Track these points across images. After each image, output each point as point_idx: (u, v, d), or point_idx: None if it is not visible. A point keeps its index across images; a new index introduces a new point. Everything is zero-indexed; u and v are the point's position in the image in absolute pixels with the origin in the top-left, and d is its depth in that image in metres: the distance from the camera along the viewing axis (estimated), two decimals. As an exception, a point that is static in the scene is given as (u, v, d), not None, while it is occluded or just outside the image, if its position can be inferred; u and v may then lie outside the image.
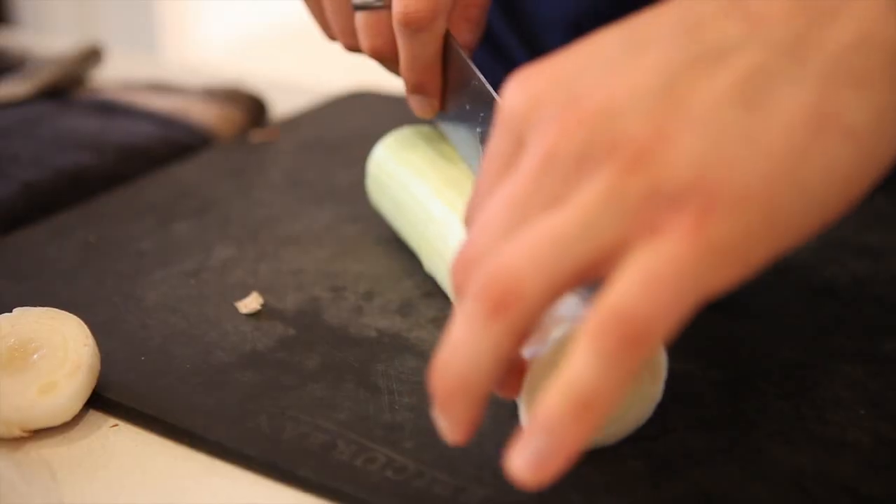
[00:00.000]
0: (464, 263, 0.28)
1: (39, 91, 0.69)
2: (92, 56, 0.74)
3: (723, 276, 0.25)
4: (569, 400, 0.25)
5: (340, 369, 0.38)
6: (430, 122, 0.47)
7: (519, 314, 0.26)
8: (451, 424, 0.28)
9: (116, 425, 0.36)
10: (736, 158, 0.25)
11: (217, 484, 0.33)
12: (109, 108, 0.67)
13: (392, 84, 0.78)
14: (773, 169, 0.25)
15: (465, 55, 0.42)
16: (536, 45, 0.70)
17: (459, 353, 0.27)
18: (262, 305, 0.43)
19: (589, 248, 0.26)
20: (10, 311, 0.38)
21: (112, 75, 0.76)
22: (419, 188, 0.44)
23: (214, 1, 2.58)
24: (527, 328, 0.26)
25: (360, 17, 0.44)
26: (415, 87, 0.44)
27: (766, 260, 0.26)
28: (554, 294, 0.26)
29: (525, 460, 0.26)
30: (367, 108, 0.72)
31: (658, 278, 0.25)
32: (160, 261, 0.48)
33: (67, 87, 0.71)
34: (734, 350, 0.40)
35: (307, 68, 1.52)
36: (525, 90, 0.29)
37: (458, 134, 0.44)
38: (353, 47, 0.46)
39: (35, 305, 0.39)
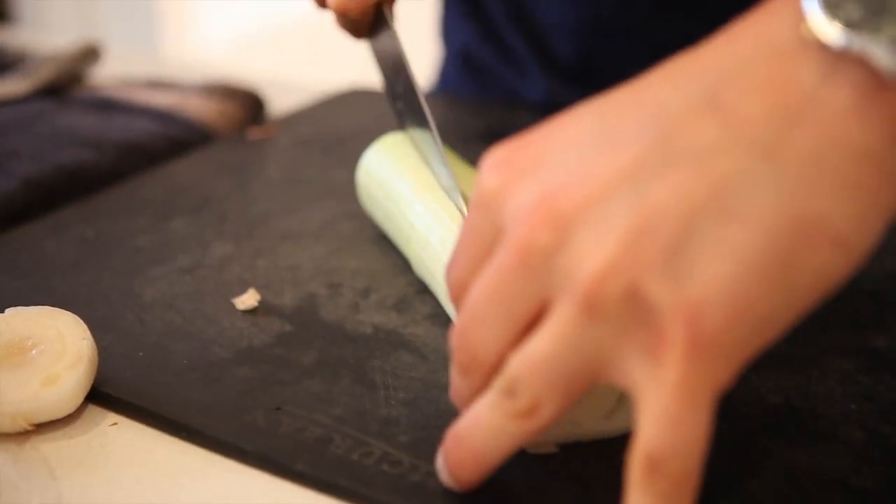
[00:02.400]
0: (465, 348, 0.30)
1: (38, 88, 0.69)
2: (90, 54, 0.74)
3: (725, 377, 0.26)
4: None
5: (337, 365, 0.39)
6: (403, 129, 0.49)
7: (541, 421, 0.28)
8: (453, 482, 0.31)
9: (116, 423, 0.36)
10: (716, 274, 0.25)
11: (215, 479, 0.34)
12: (108, 105, 0.67)
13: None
14: (756, 280, 0.25)
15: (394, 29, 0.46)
16: (544, 49, 0.70)
17: (480, 434, 0.29)
18: (259, 302, 0.43)
19: (581, 361, 0.27)
20: (11, 306, 0.38)
21: (111, 73, 0.76)
22: (404, 198, 0.45)
23: (213, -1, 2.58)
24: (547, 427, 0.28)
25: None
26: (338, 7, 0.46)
27: (757, 353, 0.26)
28: (571, 398, 0.28)
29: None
30: (365, 105, 0.72)
31: (675, 414, 0.26)
32: (158, 257, 0.48)
33: (66, 84, 0.71)
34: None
35: (305, 66, 1.53)
36: (500, 173, 0.29)
37: (422, 140, 0.45)
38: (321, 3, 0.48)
39: (33, 301, 0.39)
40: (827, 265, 0.25)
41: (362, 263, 0.47)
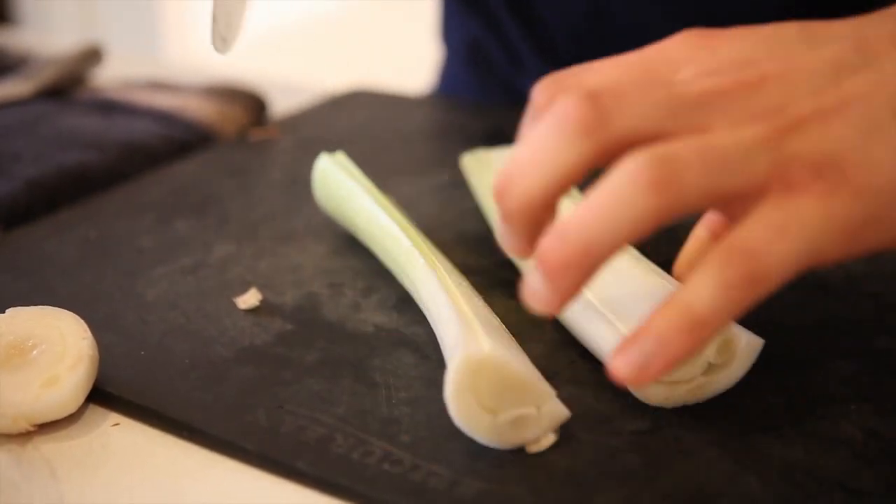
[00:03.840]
0: (597, 102, 0.29)
1: (41, 90, 0.69)
2: (93, 56, 0.74)
3: (830, 250, 0.29)
4: (684, 317, 0.28)
5: (338, 364, 0.39)
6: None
7: (670, 200, 0.28)
8: (553, 292, 0.29)
9: (117, 424, 0.36)
10: (876, 155, 0.29)
11: (216, 479, 0.34)
12: (110, 107, 0.67)
13: (390, 83, 0.79)
14: None
15: None
16: (542, 42, 0.70)
17: (603, 219, 0.28)
18: (261, 301, 0.43)
19: (743, 177, 0.28)
20: (12, 307, 0.38)
21: (113, 75, 0.76)
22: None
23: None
24: (665, 220, 0.28)
25: None
26: None
27: (863, 252, 0.30)
28: (699, 200, 0.28)
29: (629, 360, 0.28)
30: (366, 106, 0.72)
31: (786, 229, 0.28)
32: (160, 257, 0.48)
33: (68, 86, 0.71)
34: (728, 346, 0.40)
35: (307, 67, 1.53)
36: (694, 40, 0.33)
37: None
38: None
39: (35, 301, 0.39)
40: None
41: (363, 263, 0.47)
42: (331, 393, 0.37)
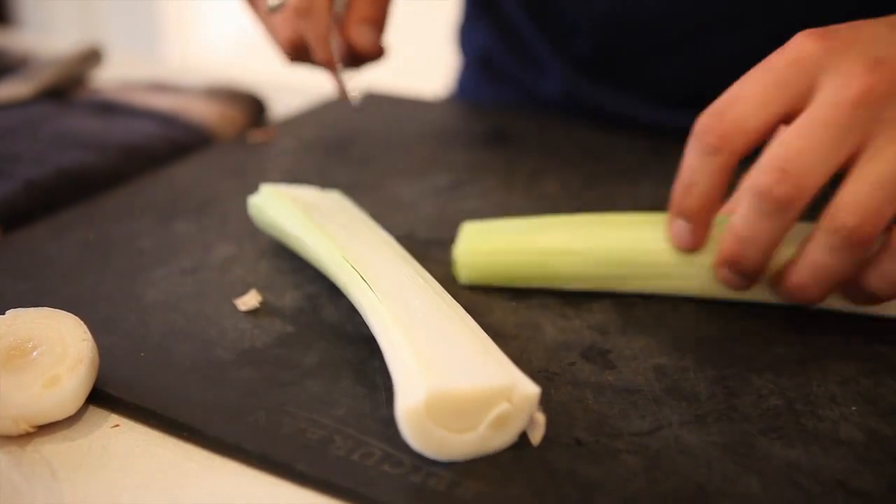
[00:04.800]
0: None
1: (41, 92, 0.69)
2: (92, 57, 0.74)
3: None
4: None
5: (338, 366, 0.39)
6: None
7: (797, 209, 0.37)
8: (730, 273, 0.40)
9: (118, 425, 0.36)
10: None
11: (216, 480, 0.34)
12: (110, 108, 0.67)
13: (388, 85, 0.79)
14: None
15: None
16: (562, 45, 0.70)
17: (754, 240, 0.38)
18: (261, 303, 0.43)
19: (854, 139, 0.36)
20: (12, 308, 0.38)
21: (112, 76, 0.77)
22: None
23: (215, 2, 2.58)
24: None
25: (275, 18, 0.56)
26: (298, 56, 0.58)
27: None
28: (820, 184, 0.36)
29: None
30: (365, 108, 0.72)
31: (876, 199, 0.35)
32: (160, 259, 0.48)
33: (68, 87, 0.71)
34: (728, 346, 0.40)
35: (305, 69, 1.52)
36: (821, 42, 0.37)
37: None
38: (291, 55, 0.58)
39: (35, 303, 0.39)
40: None
41: (363, 265, 0.47)
42: (331, 394, 0.37)
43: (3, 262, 0.48)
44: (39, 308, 0.38)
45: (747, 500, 0.31)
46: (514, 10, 0.73)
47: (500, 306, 0.43)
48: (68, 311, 0.38)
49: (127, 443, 0.36)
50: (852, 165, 0.36)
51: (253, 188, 0.57)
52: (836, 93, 0.36)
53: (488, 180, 0.58)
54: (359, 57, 0.59)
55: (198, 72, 0.85)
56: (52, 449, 0.35)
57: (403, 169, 0.60)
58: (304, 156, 0.62)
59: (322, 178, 0.58)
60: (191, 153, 0.63)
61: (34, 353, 0.36)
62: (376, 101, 0.74)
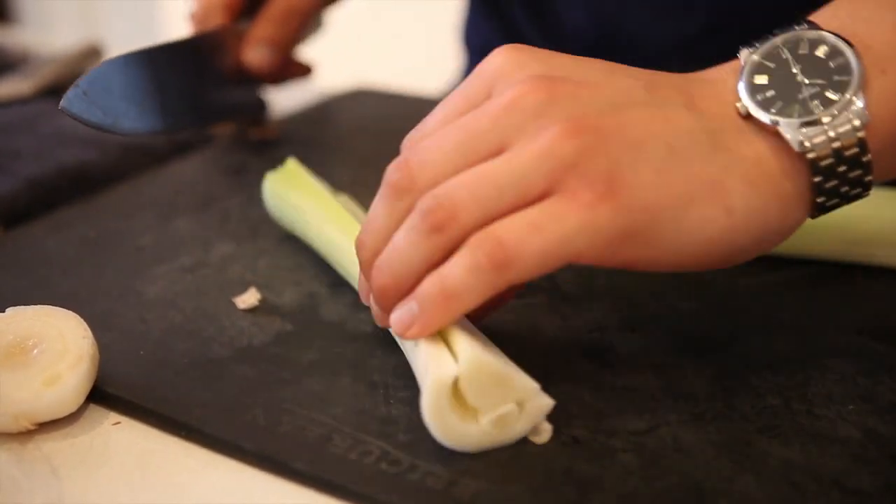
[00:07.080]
0: (407, 166, 0.34)
1: (41, 89, 0.70)
2: (92, 54, 0.74)
3: (588, 252, 0.32)
4: (437, 288, 0.32)
5: (336, 364, 0.39)
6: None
7: (451, 236, 0.32)
8: (380, 312, 0.35)
9: (118, 423, 0.37)
10: (644, 179, 0.32)
11: (215, 478, 0.34)
12: (110, 106, 0.67)
13: (391, 82, 0.79)
14: (664, 201, 0.32)
15: None
16: (562, 47, 0.71)
17: (398, 257, 0.33)
18: (260, 301, 0.43)
19: (518, 194, 0.32)
20: (13, 305, 0.38)
21: (113, 73, 0.76)
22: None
23: None
24: (454, 248, 0.33)
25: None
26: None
27: (620, 263, 0.33)
28: (483, 224, 0.32)
29: (399, 315, 0.33)
30: (366, 105, 0.72)
31: (540, 226, 0.31)
32: (159, 256, 0.48)
33: (68, 85, 0.71)
34: (726, 345, 0.40)
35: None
36: (510, 55, 0.35)
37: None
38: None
39: (35, 300, 0.39)
40: (711, 221, 0.33)
41: (363, 263, 0.47)
42: (329, 392, 0.37)
43: (2, 258, 0.48)
44: (40, 305, 0.38)
45: (744, 499, 0.31)
46: (515, 12, 0.73)
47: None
48: (68, 307, 0.38)
49: (127, 440, 0.36)
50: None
51: (253, 186, 0.57)
52: (492, 101, 0.34)
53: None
54: (270, 75, 0.62)
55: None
56: (52, 446, 0.35)
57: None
58: (304, 153, 0.62)
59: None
60: (191, 150, 0.63)
61: (35, 351, 0.36)
62: (378, 99, 0.74)
